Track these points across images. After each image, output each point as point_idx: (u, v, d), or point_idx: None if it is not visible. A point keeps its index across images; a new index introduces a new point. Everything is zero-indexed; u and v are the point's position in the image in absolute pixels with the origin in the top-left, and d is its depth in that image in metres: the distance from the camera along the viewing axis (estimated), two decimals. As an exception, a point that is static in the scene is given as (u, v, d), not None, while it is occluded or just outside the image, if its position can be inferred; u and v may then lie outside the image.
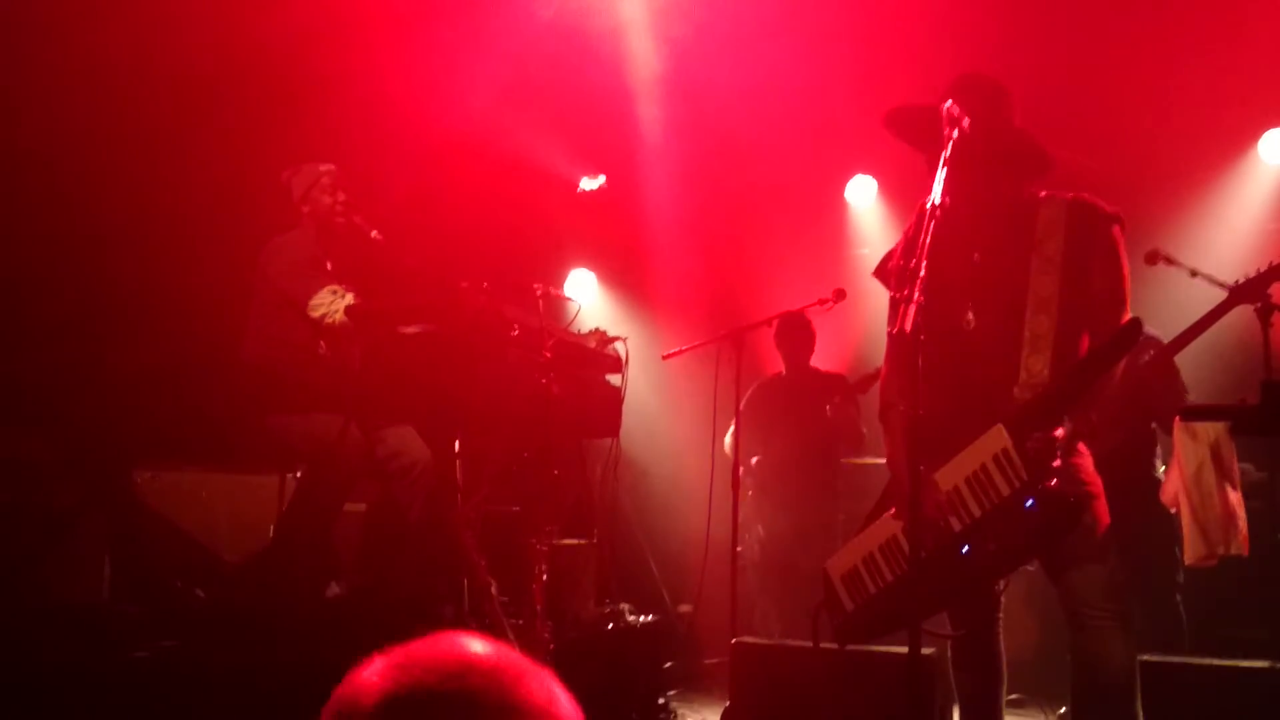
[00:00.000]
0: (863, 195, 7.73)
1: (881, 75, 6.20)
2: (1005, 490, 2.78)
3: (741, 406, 5.90)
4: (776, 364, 5.98)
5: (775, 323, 5.75)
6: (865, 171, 7.67)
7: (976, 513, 2.83)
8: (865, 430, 5.94)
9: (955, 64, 3.18)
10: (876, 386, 5.81)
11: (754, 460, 6.02)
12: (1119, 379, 3.00)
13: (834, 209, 7.77)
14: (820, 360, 5.98)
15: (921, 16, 6.37)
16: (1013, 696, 4.65)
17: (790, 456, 5.54)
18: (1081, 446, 3.02)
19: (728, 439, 6.02)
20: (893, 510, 3.07)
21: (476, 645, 1.06)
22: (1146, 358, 4.65)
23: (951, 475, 2.90)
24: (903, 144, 3.21)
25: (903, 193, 7.24)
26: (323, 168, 4.52)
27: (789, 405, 5.61)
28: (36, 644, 3.46)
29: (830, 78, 6.62)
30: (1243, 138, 6.72)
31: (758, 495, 5.93)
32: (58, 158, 5.44)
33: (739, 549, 6.05)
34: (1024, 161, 3.10)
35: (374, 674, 1.02)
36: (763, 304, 5.75)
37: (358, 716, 0.99)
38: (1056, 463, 2.78)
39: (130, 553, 4.01)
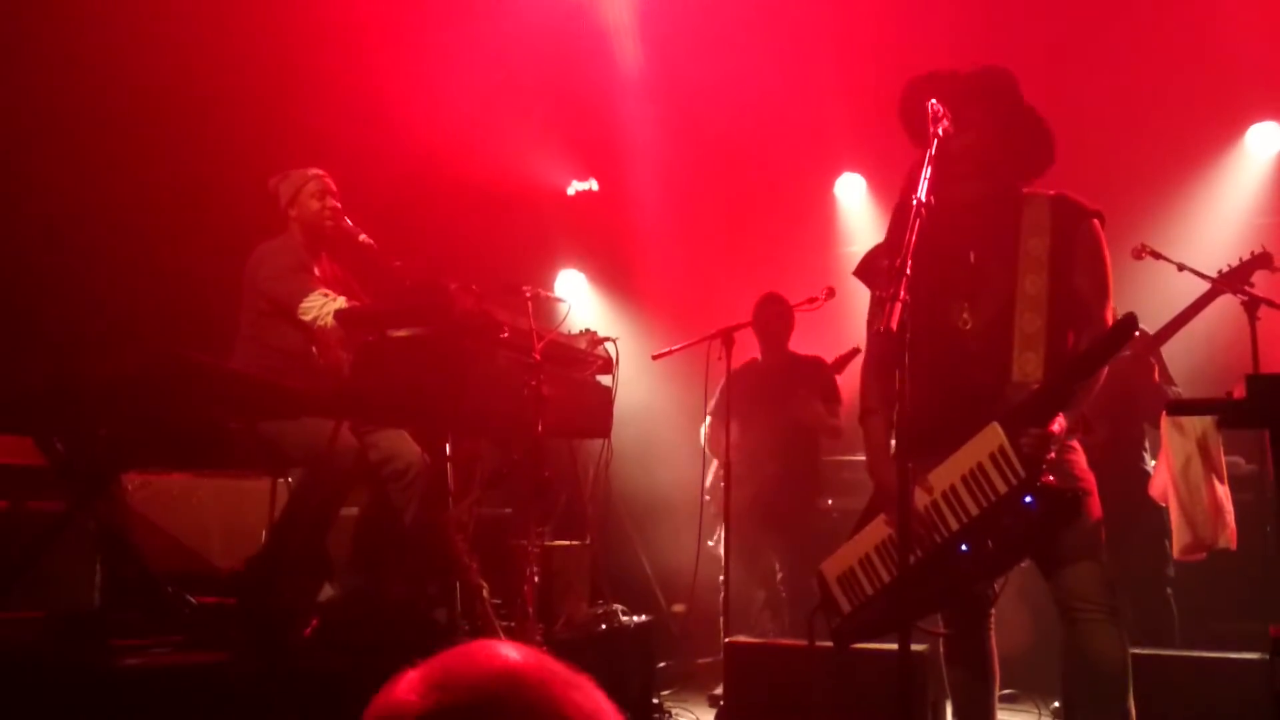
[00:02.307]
0: (851, 193, 7.76)
1: (869, 73, 6.22)
2: (1002, 488, 2.79)
3: (716, 399, 5.96)
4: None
5: (753, 307, 5.76)
6: (853, 169, 7.70)
7: (974, 511, 2.84)
8: (841, 424, 5.96)
9: (942, 58, 3.18)
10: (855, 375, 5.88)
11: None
12: (1105, 373, 3.01)
13: (823, 207, 7.79)
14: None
15: (908, 11, 6.39)
16: (1006, 691, 4.66)
17: (766, 444, 5.40)
18: (1075, 443, 3.04)
19: (703, 433, 6.06)
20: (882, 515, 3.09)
21: (516, 655, 0.99)
22: (1127, 353, 4.67)
23: (948, 474, 2.90)
24: (901, 132, 3.21)
25: (891, 190, 7.25)
26: (310, 172, 4.51)
27: (766, 391, 5.46)
28: (27, 651, 3.45)
29: (817, 76, 6.64)
30: (1229, 131, 6.75)
31: (732, 483, 5.91)
32: (44, 165, 5.43)
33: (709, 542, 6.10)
34: (1024, 159, 3.12)
35: (412, 692, 0.95)
36: (752, 302, 5.75)
37: None
38: (1051, 456, 2.79)
39: (121, 559, 4.00)
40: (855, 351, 5.85)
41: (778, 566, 5.70)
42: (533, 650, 1.01)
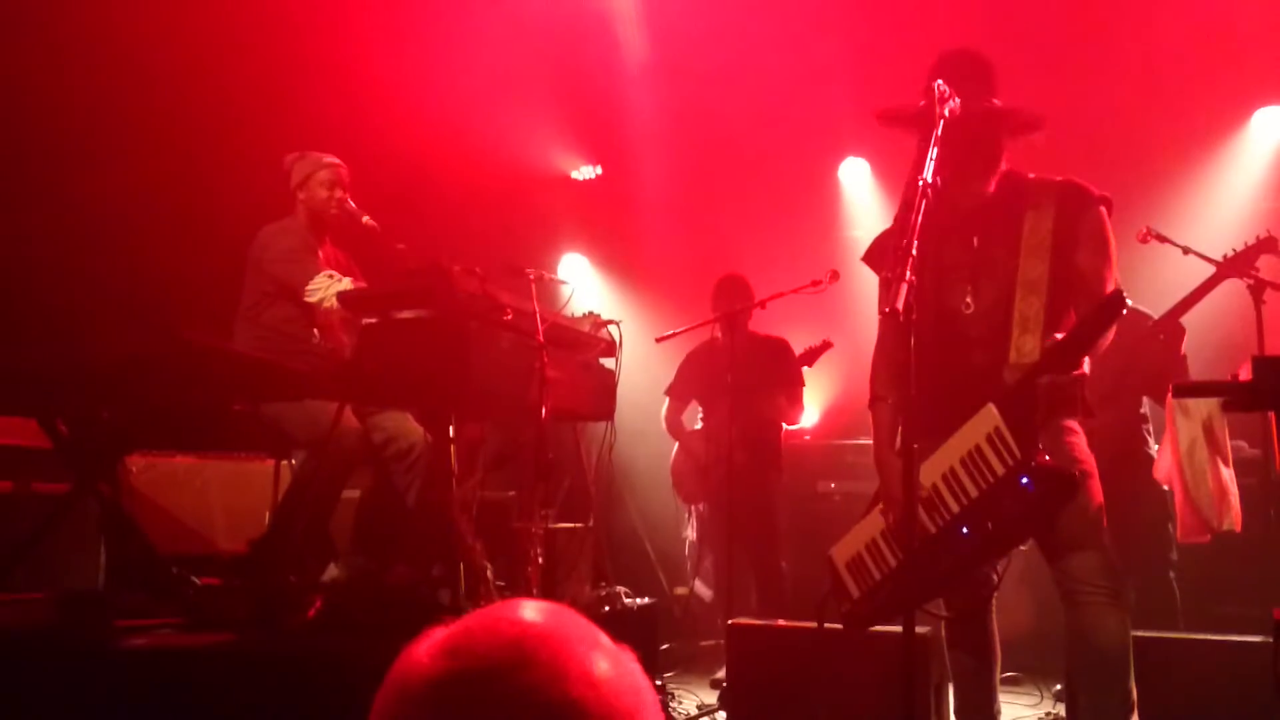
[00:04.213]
0: (855, 177, 7.75)
1: (873, 57, 6.20)
2: (1000, 470, 2.78)
3: (674, 379, 5.98)
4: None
5: (712, 286, 5.78)
6: (857, 154, 7.69)
7: (973, 493, 2.83)
8: (803, 408, 5.95)
9: (947, 42, 3.17)
10: (824, 362, 5.89)
11: (696, 428, 6.08)
12: (1107, 358, 3.01)
13: (827, 191, 7.78)
14: (815, 341, 5.97)
15: (913, -4, 6.38)
16: (1009, 674, 4.67)
17: (730, 429, 5.27)
18: (1075, 424, 3.03)
19: (663, 412, 6.07)
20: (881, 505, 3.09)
21: (539, 620, 0.98)
22: (1148, 324, 4.67)
23: (947, 457, 2.90)
24: (896, 131, 3.19)
25: (895, 174, 7.24)
26: (326, 160, 4.49)
27: (727, 372, 5.33)
28: (33, 631, 3.47)
29: (822, 60, 6.61)
30: (1235, 116, 6.73)
31: (698, 468, 5.92)
32: (46, 148, 5.42)
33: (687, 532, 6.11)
34: (1007, 139, 3.11)
35: (424, 655, 0.95)
36: (756, 286, 5.74)
37: (408, 704, 0.93)
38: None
39: (125, 540, 4.01)
40: (826, 345, 5.86)
41: (753, 550, 5.68)
42: (564, 615, 1.00)
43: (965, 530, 2.83)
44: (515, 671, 0.92)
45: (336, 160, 4.51)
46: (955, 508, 2.86)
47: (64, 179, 5.48)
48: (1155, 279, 5.05)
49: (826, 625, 3.24)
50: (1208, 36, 6.11)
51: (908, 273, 2.32)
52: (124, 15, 5.45)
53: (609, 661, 0.97)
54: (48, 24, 5.44)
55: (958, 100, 2.71)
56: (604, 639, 1.00)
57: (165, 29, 5.56)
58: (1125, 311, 2.76)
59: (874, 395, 3.24)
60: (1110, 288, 2.97)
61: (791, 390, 5.82)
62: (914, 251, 2.37)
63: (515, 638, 0.95)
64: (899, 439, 2.95)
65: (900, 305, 2.29)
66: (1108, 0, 6.36)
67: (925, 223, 2.46)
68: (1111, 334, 2.89)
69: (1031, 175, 3.12)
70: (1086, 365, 2.94)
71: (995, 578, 3.18)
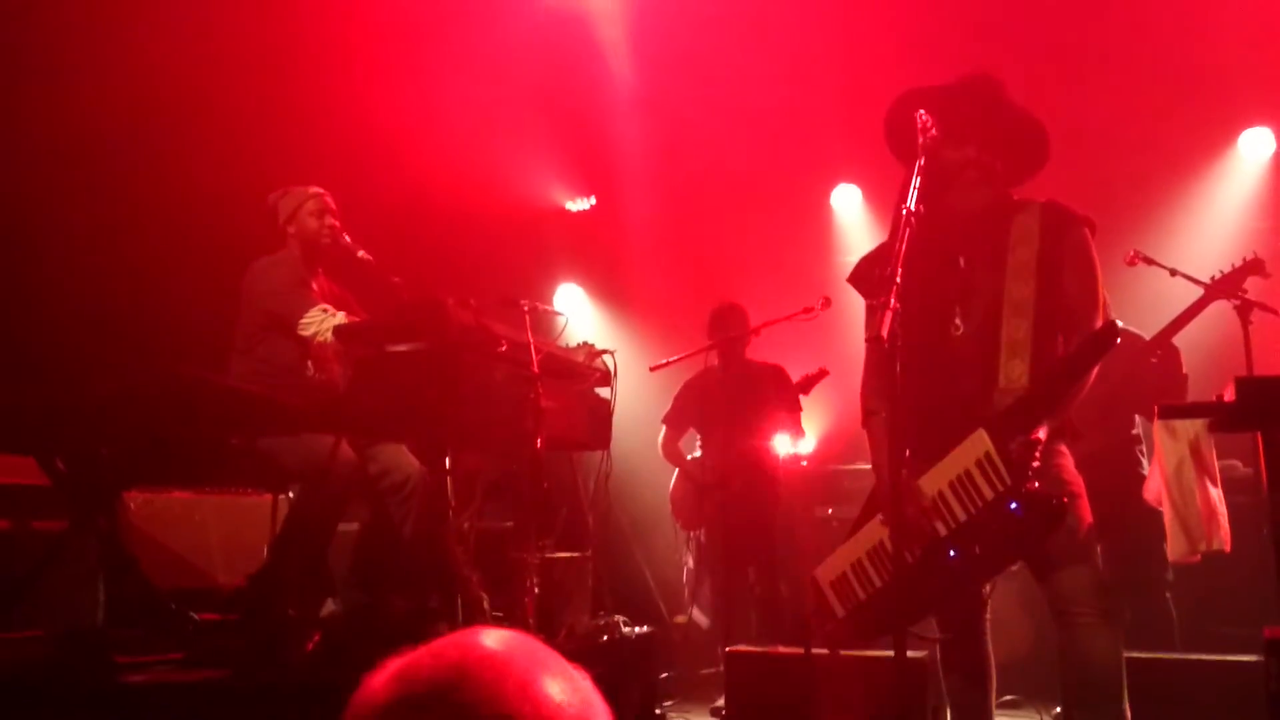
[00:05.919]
0: (848, 203, 7.80)
1: (864, 84, 6.25)
2: (989, 494, 2.80)
3: (670, 407, 6.00)
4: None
5: (709, 314, 5.80)
6: (850, 180, 7.74)
7: (961, 517, 2.86)
8: (804, 432, 5.97)
9: (935, 69, 3.22)
10: (819, 389, 5.90)
11: (693, 456, 6.10)
12: (1097, 381, 3.04)
13: (819, 217, 7.83)
14: (808, 368, 6.00)
15: (902, 24, 6.43)
16: (1008, 697, 4.67)
17: (728, 456, 5.34)
18: (1063, 447, 3.05)
19: (660, 440, 6.08)
20: (880, 516, 3.09)
21: (483, 642, 1.02)
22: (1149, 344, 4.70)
23: (936, 480, 2.92)
24: (890, 146, 3.27)
25: (888, 200, 7.27)
26: (310, 190, 4.53)
27: (724, 400, 5.42)
28: (31, 669, 3.47)
29: (813, 88, 6.67)
30: (1222, 137, 6.78)
31: (696, 495, 5.92)
32: (41, 185, 5.45)
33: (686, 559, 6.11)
34: (1020, 162, 3.17)
35: (376, 683, 1.00)
36: (750, 313, 5.78)
37: None
38: (1036, 464, 2.81)
39: (124, 576, 4.02)
40: (822, 373, 5.88)
41: (752, 577, 5.68)
42: (515, 640, 1.04)
43: (953, 553, 2.84)
44: (454, 691, 0.97)
45: (320, 190, 4.55)
46: (943, 530, 2.88)
47: (60, 215, 5.52)
48: (1143, 300, 5.09)
49: (814, 650, 3.25)
50: (1193, 58, 6.17)
51: (892, 300, 2.35)
52: (123, 51, 5.49)
53: (558, 683, 1.02)
54: (47, 58, 5.49)
55: (934, 131, 2.76)
56: (559, 663, 1.04)
57: (162, 65, 5.61)
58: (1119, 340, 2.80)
59: (867, 411, 3.27)
60: (1098, 310, 3.00)
61: (790, 415, 5.84)
62: (898, 279, 2.40)
63: (457, 661, 1.00)
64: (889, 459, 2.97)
65: (884, 332, 2.32)
66: (1094, 23, 6.42)
67: (910, 248, 2.50)
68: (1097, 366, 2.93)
69: (1017, 196, 3.16)
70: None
71: (986, 598, 3.20)
